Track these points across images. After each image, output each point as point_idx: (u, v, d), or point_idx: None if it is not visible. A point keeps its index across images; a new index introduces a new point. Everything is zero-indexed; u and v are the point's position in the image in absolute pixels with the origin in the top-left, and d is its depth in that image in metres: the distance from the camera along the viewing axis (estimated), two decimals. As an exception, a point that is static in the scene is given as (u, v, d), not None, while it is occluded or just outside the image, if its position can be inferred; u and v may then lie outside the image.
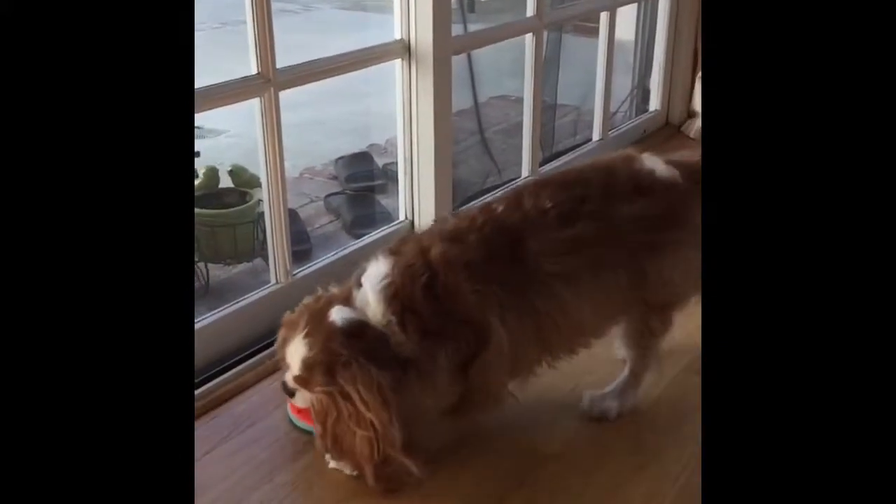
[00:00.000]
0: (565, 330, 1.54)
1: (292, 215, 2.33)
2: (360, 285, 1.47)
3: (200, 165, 2.56)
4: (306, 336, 1.43)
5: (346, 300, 1.46)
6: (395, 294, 1.42)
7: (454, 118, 2.46)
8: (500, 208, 1.54)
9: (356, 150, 3.54)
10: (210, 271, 2.45)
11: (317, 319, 1.44)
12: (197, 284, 2.46)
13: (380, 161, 3.44)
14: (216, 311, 1.95)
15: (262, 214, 2.40)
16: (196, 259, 2.45)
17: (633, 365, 1.71)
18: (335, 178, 3.40)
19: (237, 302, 1.95)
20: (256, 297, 1.97)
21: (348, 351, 1.38)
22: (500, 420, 1.62)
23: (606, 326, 1.65)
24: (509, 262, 1.48)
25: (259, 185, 2.52)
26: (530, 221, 1.51)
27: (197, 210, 2.45)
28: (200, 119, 2.58)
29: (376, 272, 1.45)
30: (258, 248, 2.50)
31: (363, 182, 3.22)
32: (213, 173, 2.57)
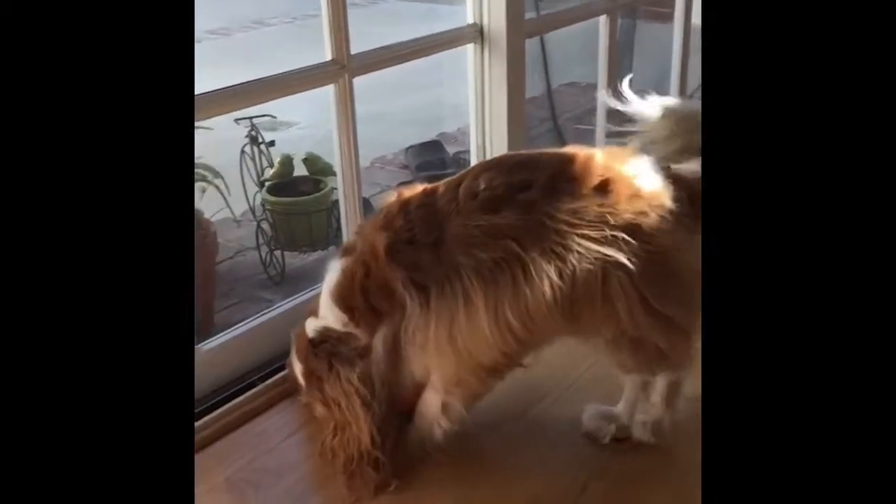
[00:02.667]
0: (472, 333, 1.36)
1: (365, 204, 2.34)
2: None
3: (275, 154, 2.59)
4: (295, 353, 1.58)
5: (315, 311, 1.54)
6: (340, 296, 1.49)
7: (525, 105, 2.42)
8: (441, 189, 1.43)
9: (426, 139, 3.54)
10: (286, 259, 2.48)
11: (300, 335, 1.57)
12: (273, 272, 2.50)
13: (451, 149, 3.43)
14: (291, 298, 1.99)
15: (336, 202, 2.42)
16: (272, 247, 2.48)
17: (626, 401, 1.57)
18: (406, 167, 3.40)
19: (311, 289, 1.93)
20: (332, 284, 1.98)
21: (320, 361, 1.50)
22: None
23: (532, 341, 1.42)
24: (430, 247, 1.38)
25: (332, 173, 2.54)
26: (457, 204, 1.39)
27: (272, 198, 2.48)
28: (273, 110, 2.62)
29: (329, 278, 1.52)
30: (332, 236, 2.52)
31: (434, 170, 3.21)
32: (287, 161, 2.60)
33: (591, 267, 1.31)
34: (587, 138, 2.63)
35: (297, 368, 1.60)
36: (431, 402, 1.50)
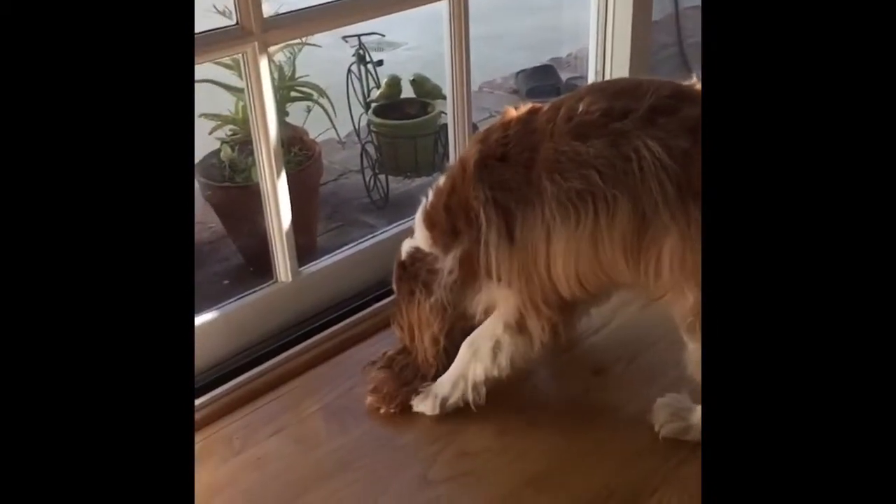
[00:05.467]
0: (548, 264, 1.31)
1: (474, 129, 2.25)
2: None
3: (383, 75, 2.52)
4: (393, 275, 1.57)
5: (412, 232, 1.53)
6: (427, 217, 1.47)
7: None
8: (544, 108, 1.37)
9: (538, 63, 3.40)
10: (389, 184, 2.43)
11: (397, 256, 1.55)
12: (376, 196, 2.45)
13: (563, 75, 3.29)
14: (394, 224, 1.95)
15: (443, 127, 2.34)
16: (376, 171, 2.43)
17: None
18: (516, 91, 3.29)
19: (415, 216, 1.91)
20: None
21: (403, 284, 1.52)
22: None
23: (596, 282, 1.33)
24: (522, 167, 1.33)
25: (441, 96, 2.46)
26: (554, 125, 1.31)
27: (378, 120, 2.42)
28: (382, 28, 2.55)
29: (425, 200, 1.50)
30: (438, 162, 2.45)
31: (545, 96, 3.06)
32: (395, 83, 2.52)
33: (670, 214, 1.21)
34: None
35: (395, 290, 1.58)
36: (481, 343, 1.44)
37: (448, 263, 1.44)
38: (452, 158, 1.97)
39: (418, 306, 1.48)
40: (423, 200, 1.51)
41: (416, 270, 1.50)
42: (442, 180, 1.48)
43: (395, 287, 1.57)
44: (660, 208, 1.22)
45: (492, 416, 1.47)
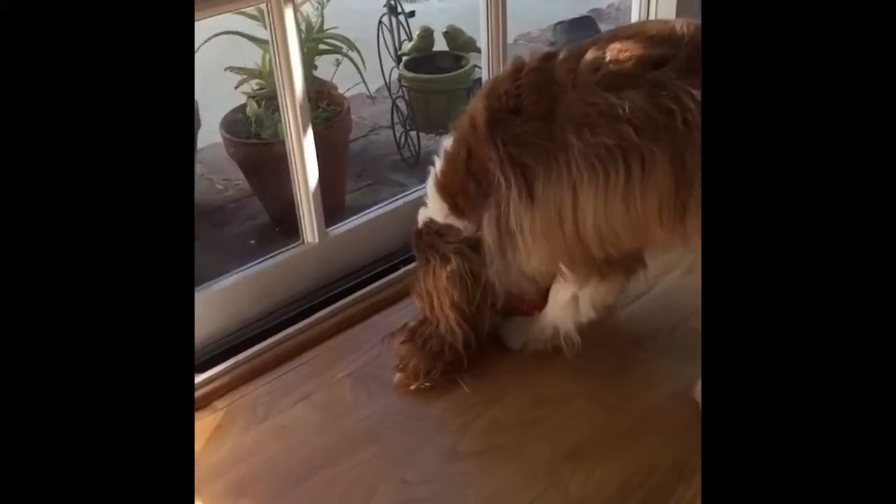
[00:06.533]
0: (577, 226, 1.22)
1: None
2: None
3: (415, 27, 2.41)
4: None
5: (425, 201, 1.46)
6: (441, 183, 1.39)
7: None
8: (562, 55, 1.24)
9: (576, 15, 3.27)
10: (421, 141, 2.34)
11: (415, 223, 1.49)
12: (407, 154, 2.37)
13: (602, 27, 3.16)
14: (425, 183, 1.87)
15: (477, 81, 2.25)
16: (408, 127, 2.35)
17: None
18: (553, 44, 3.17)
19: None
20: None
21: (420, 253, 1.46)
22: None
23: (629, 241, 1.24)
24: (539, 120, 1.21)
25: (475, 49, 2.36)
26: (576, 75, 1.19)
27: (409, 74, 2.33)
28: (415, -22, 2.45)
29: (434, 167, 1.42)
30: (471, 119, 2.36)
31: (584, 50, 2.95)
32: (427, 34, 2.42)
33: None
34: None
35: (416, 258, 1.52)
36: (561, 292, 1.39)
37: (468, 231, 1.37)
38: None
39: (434, 275, 1.41)
40: (433, 167, 1.42)
41: (431, 240, 1.43)
42: (449, 143, 1.38)
43: (415, 254, 1.50)
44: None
45: (525, 387, 1.41)
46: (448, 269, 1.39)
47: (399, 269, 1.72)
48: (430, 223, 1.44)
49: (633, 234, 1.22)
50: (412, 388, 1.42)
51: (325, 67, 2.20)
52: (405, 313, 1.61)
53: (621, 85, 1.16)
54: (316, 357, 1.54)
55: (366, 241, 1.75)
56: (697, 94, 1.12)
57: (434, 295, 1.42)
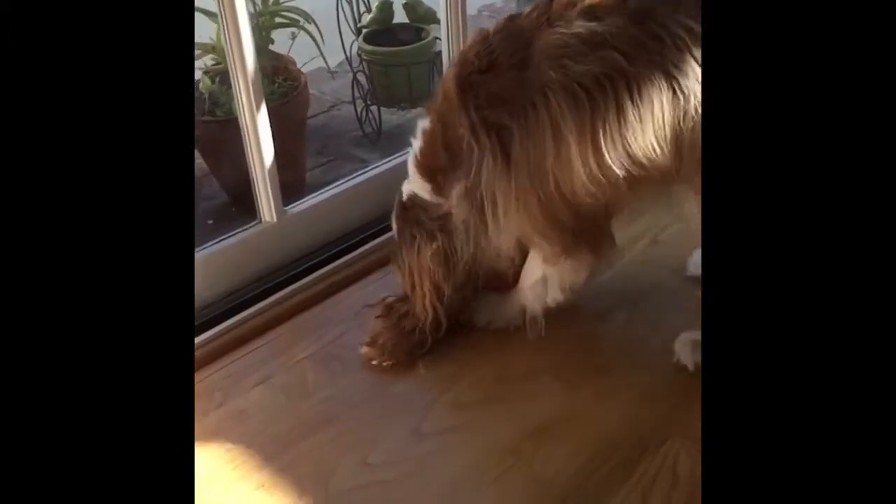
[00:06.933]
0: (562, 170, 1.15)
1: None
2: None
3: (374, -2, 2.37)
4: (393, 213, 1.46)
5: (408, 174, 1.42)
6: (422, 162, 1.36)
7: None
8: (525, 11, 1.21)
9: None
10: (382, 116, 2.30)
11: (399, 194, 1.45)
12: (369, 129, 2.33)
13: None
14: (388, 158, 1.84)
15: (438, 54, 2.21)
16: (369, 102, 2.30)
17: None
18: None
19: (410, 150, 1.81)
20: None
21: (405, 226, 1.41)
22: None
23: (632, 183, 1.17)
24: (514, 70, 1.16)
25: (435, 20, 2.31)
26: (549, 16, 1.15)
27: (369, 48, 2.28)
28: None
29: (414, 142, 1.39)
30: (434, 92, 2.32)
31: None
32: (386, 7, 2.36)
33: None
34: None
35: (394, 228, 1.48)
36: (530, 272, 1.37)
37: (449, 207, 1.34)
38: (448, 87, 1.85)
39: (419, 252, 1.38)
40: (412, 147, 1.39)
41: (416, 215, 1.39)
42: (427, 122, 1.34)
43: (395, 227, 1.47)
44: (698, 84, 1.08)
45: (488, 365, 1.39)
46: (433, 246, 1.36)
47: (361, 246, 1.69)
48: (415, 198, 1.40)
49: (626, 174, 1.14)
50: (375, 363, 1.40)
51: (284, 42, 2.15)
52: (368, 291, 1.59)
53: (603, 14, 1.12)
54: (276, 339, 1.50)
55: (326, 219, 1.71)
56: (685, 20, 1.09)
57: (415, 272, 1.39)
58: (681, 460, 1.20)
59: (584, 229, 1.26)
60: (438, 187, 1.35)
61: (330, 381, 1.39)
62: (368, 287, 1.61)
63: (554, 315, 1.43)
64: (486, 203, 1.24)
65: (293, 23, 2.11)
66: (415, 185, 1.40)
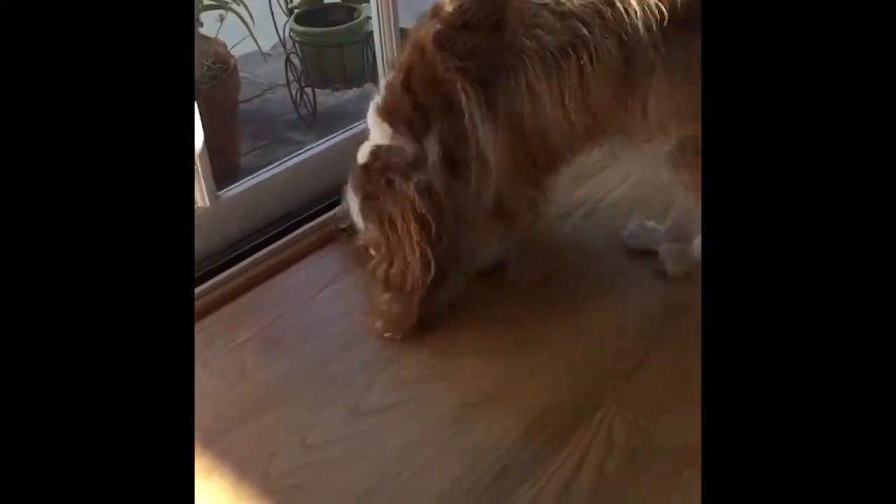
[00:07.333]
0: (536, 124, 1.28)
1: (404, 35, 2.10)
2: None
3: (304, -22, 2.34)
4: (351, 190, 1.45)
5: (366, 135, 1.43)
6: (384, 109, 1.39)
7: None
8: None
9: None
10: (317, 97, 2.28)
11: (353, 169, 1.45)
12: (304, 111, 2.30)
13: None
14: (323, 139, 1.83)
15: (371, 34, 2.20)
16: (303, 84, 2.28)
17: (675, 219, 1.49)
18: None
19: (346, 130, 1.81)
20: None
21: (374, 180, 1.39)
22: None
23: (589, 134, 1.33)
24: (489, 30, 1.26)
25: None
26: None
27: (301, 28, 2.26)
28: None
29: (374, 99, 1.42)
30: (368, 72, 2.30)
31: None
32: (318, -12, 2.35)
33: (655, 55, 1.21)
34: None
35: (354, 206, 1.46)
36: (484, 225, 1.40)
37: (430, 147, 1.34)
38: (381, 68, 1.84)
39: (398, 191, 1.35)
40: (373, 101, 1.41)
41: (385, 163, 1.38)
42: (390, 76, 1.39)
43: (357, 200, 1.44)
44: (647, 52, 1.20)
45: (426, 341, 1.40)
46: (414, 180, 1.33)
47: (297, 228, 1.68)
48: (377, 150, 1.40)
49: (592, 119, 1.27)
50: (388, 335, 1.40)
51: (212, 24, 2.11)
52: (305, 274, 1.58)
53: None
54: (213, 323, 1.49)
55: (261, 203, 1.69)
56: None
57: (398, 215, 1.35)
58: (616, 427, 1.22)
59: (541, 183, 1.38)
60: (401, 129, 1.37)
61: (268, 364, 1.39)
62: (305, 269, 1.60)
63: (491, 287, 1.44)
64: (478, 148, 1.30)
65: (221, 4, 2.08)
66: (376, 135, 1.41)
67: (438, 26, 1.29)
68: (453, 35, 1.28)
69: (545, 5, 1.22)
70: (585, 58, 1.22)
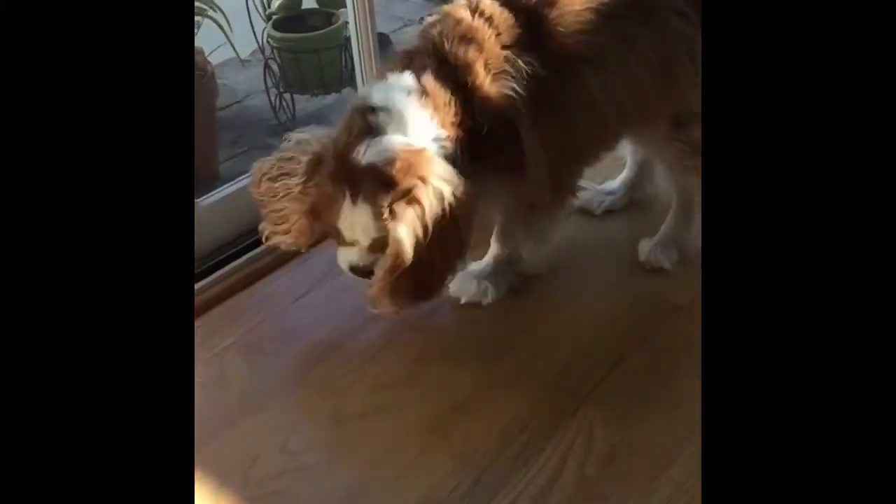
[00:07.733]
0: (591, 113, 1.33)
1: (383, 40, 2.11)
2: (373, 112, 1.24)
3: (282, -16, 2.34)
4: (362, 200, 1.21)
5: (369, 132, 1.23)
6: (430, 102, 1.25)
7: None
8: None
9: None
10: (297, 103, 2.28)
11: (352, 176, 1.22)
12: (283, 117, 2.31)
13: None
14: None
15: (349, 39, 2.20)
16: (281, 90, 2.28)
17: (676, 205, 1.54)
18: (431, -1, 3.12)
19: None
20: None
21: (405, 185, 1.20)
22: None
23: (626, 128, 1.44)
24: (539, 41, 1.28)
25: (344, 3, 2.30)
26: None
27: (279, 34, 2.26)
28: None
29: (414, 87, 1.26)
30: (347, 77, 2.31)
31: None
32: (295, -7, 2.35)
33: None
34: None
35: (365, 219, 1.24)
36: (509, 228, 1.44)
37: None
38: (359, 73, 1.84)
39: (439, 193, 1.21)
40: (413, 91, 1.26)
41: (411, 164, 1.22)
42: (429, 80, 1.26)
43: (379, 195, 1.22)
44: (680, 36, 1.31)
45: (407, 344, 1.40)
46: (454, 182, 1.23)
47: (276, 235, 1.68)
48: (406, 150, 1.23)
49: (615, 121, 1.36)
50: (393, 310, 1.32)
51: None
52: (284, 282, 1.58)
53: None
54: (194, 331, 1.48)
55: (239, 210, 1.68)
56: None
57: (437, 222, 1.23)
58: (595, 429, 1.23)
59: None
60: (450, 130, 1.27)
61: (249, 371, 1.38)
62: (285, 276, 1.60)
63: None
64: (516, 151, 1.29)
65: (198, 11, 2.08)
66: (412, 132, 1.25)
67: (504, 40, 1.28)
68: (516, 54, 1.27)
69: (589, 7, 1.28)
70: (628, 55, 1.29)
